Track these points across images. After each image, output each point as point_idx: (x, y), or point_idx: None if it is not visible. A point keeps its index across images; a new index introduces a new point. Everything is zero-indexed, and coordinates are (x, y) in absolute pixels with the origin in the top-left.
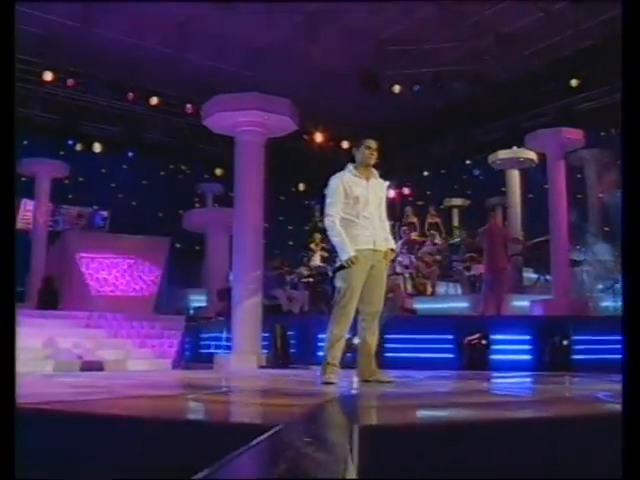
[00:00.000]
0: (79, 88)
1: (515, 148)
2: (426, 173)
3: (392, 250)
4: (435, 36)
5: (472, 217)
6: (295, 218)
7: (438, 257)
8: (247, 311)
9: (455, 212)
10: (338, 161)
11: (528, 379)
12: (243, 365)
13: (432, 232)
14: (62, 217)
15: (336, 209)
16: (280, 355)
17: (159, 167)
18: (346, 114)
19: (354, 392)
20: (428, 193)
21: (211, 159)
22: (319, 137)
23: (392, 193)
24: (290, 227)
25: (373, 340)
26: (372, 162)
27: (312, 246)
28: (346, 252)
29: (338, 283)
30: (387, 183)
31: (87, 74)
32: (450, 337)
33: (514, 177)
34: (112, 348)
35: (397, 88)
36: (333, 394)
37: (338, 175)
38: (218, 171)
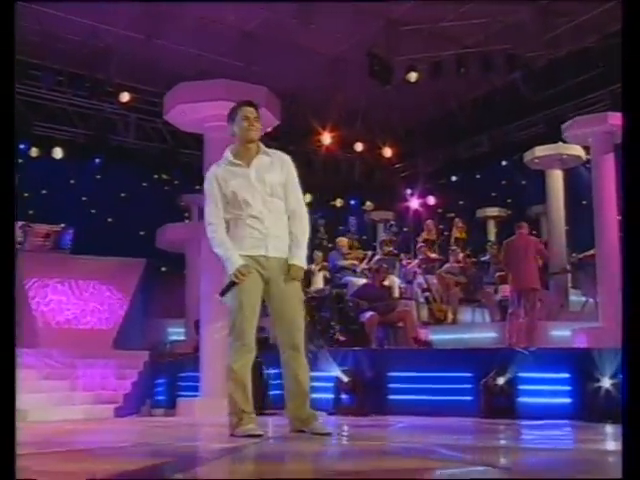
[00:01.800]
0: (30, 82)
1: (560, 144)
2: (454, 178)
3: (298, 267)
4: (457, 12)
5: (512, 226)
6: None
7: (462, 278)
8: (218, 345)
9: (491, 224)
10: (348, 167)
11: (560, 431)
12: (211, 411)
13: (454, 248)
14: (26, 237)
15: (215, 215)
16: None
17: (141, 177)
18: (358, 111)
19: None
20: (461, 203)
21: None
22: (326, 139)
23: (415, 203)
24: None
25: (305, 377)
26: (254, 137)
27: (312, 267)
28: (232, 263)
29: (229, 303)
30: (286, 158)
31: (40, 65)
32: (468, 375)
33: (556, 179)
34: (42, 392)
35: (413, 76)
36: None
37: (212, 168)
38: None
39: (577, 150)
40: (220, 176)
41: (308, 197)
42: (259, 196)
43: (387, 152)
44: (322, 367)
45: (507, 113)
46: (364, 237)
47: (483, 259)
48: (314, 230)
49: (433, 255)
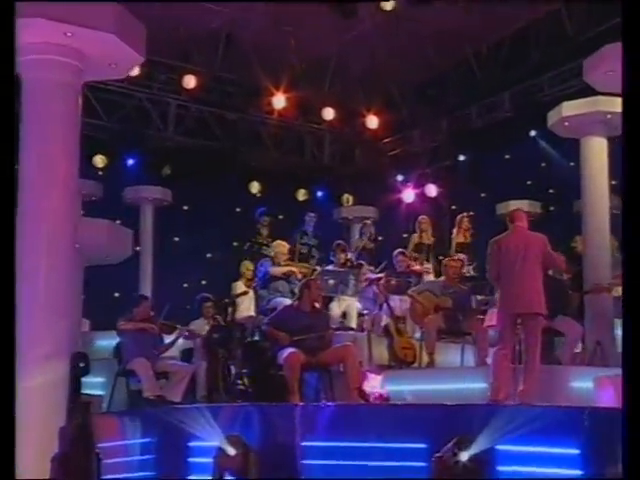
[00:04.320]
0: None
1: (601, 97)
2: (462, 157)
3: None
4: None
5: (553, 230)
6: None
7: (445, 300)
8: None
9: None
10: (315, 144)
11: None
12: None
13: (447, 259)
14: None
15: None
16: None
17: None
18: (328, 61)
19: None
20: (482, 196)
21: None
22: (280, 101)
23: (409, 195)
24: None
25: None
26: None
27: (239, 285)
28: None
29: None
30: None
31: None
32: (420, 447)
33: (597, 150)
34: None
35: (389, 4)
36: None
37: None
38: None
39: None
40: None
41: (256, 185)
42: None
43: (371, 121)
44: (200, 433)
45: (540, 62)
46: (331, 243)
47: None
48: (252, 232)
49: (417, 267)
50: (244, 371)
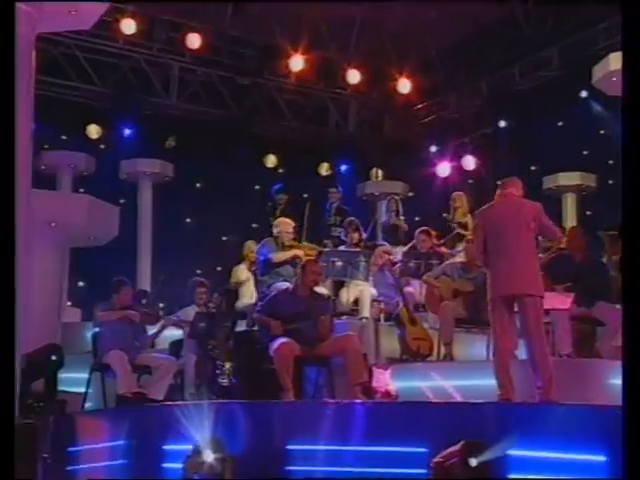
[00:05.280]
0: None
1: None
2: (503, 124)
3: None
4: None
5: (610, 206)
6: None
7: (466, 284)
8: None
9: (568, 200)
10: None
11: None
12: None
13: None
14: None
15: None
16: None
17: None
18: (353, 19)
19: None
20: (532, 168)
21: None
22: (298, 63)
23: (444, 168)
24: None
25: None
26: None
27: (241, 269)
28: None
29: None
30: None
31: None
32: (420, 451)
33: None
34: None
35: None
36: None
37: None
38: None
39: None
40: None
41: (272, 159)
42: None
43: (403, 85)
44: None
45: (593, 11)
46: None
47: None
48: (271, 208)
49: (442, 248)
50: (228, 365)
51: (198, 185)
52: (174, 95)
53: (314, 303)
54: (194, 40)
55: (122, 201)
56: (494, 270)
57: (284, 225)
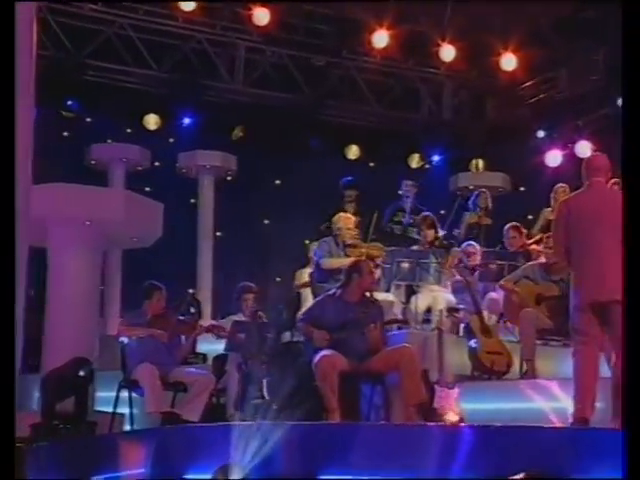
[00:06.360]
0: None
1: None
2: (619, 102)
3: None
4: None
5: None
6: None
7: (552, 288)
8: None
9: None
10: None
11: None
12: None
13: None
14: None
15: None
16: None
17: None
18: None
19: None
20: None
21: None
22: (382, 39)
23: (557, 157)
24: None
25: None
26: None
27: (305, 272)
28: None
29: None
30: None
31: None
32: None
33: None
34: None
35: None
36: None
37: None
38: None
39: None
40: None
41: (354, 150)
42: None
43: (508, 61)
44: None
45: None
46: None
47: None
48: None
49: (534, 246)
50: (265, 380)
51: (277, 182)
52: (240, 79)
53: (365, 310)
54: (262, 16)
55: (192, 201)
56: (581, 272)
57: (344, 221)
